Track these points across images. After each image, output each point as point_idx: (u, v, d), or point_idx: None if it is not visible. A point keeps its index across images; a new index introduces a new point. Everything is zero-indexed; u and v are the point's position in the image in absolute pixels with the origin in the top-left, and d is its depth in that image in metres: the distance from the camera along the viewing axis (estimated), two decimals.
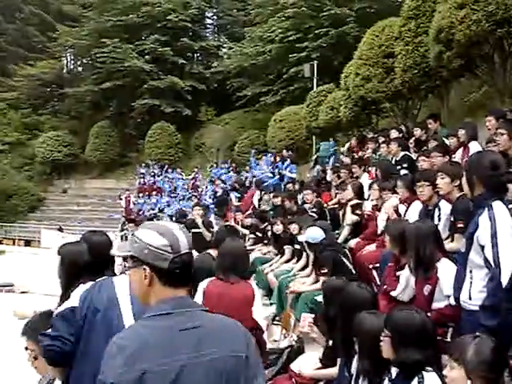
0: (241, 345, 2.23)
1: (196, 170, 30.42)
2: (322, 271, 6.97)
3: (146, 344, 2.08)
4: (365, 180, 10.39)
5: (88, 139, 37.40)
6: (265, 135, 27.96)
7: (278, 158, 20.93)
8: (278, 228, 9.97)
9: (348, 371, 4.21)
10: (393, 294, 5.25)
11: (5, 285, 30.71)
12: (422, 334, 3.45)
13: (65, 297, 3.99)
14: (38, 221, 34.42)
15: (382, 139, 12.24)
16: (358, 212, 8.68)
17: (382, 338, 3.51)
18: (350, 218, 8.76)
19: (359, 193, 9.17)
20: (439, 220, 6.00)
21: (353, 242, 8.14)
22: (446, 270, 4.75)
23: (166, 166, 32.30)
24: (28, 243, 32.30)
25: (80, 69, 47.26)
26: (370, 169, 11.08)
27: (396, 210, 7.23)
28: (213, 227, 11.40)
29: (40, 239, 31.15)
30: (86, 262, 4.06)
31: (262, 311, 5.19)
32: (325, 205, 10.91)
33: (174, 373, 2.06)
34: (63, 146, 37.74)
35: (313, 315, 5.87)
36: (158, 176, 31.47)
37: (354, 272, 6.79)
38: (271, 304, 8.37)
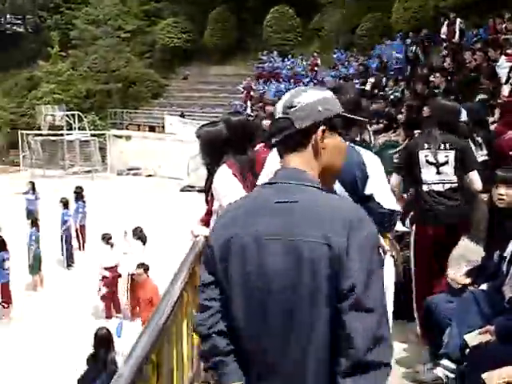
0: (336, 233, 1.81)
1: (315, 55, 29.74)
2: None
3: (240, 210, 1.99)
4: (502, 63, 9.73)
5: (206, 25, 37.27)
6: (389, 17, 26.62)
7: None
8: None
9: (501, 255, 4.10)
10: None
11: (132, 168, 32.67)
12: None
13: (211, 177, 4.10)
14: (162, 107, 35.41)
15: None
16: None
17: None
18: None
19: (492, 74, 8.55)
20: None
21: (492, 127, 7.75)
22: None
23: (285, 51, 31.84)
24: (152, 129, 33.48)
25: None
26: (508, 51, 10.33)
27: None
28: None
29: (164, 125, 32.19)
30: (225, 141, 4.15)
31: None
32: None
33: (255, 243, 1.87)
34: (182, 32, 37.90)
35: None
36: (277, 61, 31.10)
37: None
38: None
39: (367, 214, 1.95)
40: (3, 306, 12.48)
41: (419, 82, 11.45)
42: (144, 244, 11.80)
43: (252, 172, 4.21)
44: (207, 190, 4.27)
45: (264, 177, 3.50)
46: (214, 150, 4.16)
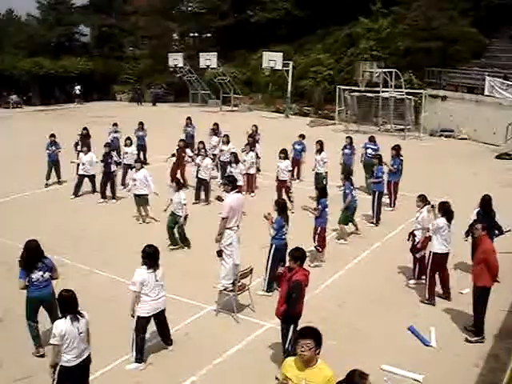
0: None
1: None
2: None
3: None
4: None
5: None
6: None
7: None
8: None
9: None
10: None
11: (446, 130, 31.98)
12: None
13: None
14: (482, 67, 33.53)
15: None
16: None
17: None
18: None
19: None
20: None
21: None
22: None
23: None
24: (470, 90, 32.02)
25: None
26: None
27: None
28: None
29: (483, 87, 30.53)
30: None
31: None
32: None
33: None
34: None
35: None
36: None
37: None
38: None
39: None
40: (318, 249, 12.88)
41: None
42: (449, 221, 10.86)
43: None
44: None
45: None
46: None
